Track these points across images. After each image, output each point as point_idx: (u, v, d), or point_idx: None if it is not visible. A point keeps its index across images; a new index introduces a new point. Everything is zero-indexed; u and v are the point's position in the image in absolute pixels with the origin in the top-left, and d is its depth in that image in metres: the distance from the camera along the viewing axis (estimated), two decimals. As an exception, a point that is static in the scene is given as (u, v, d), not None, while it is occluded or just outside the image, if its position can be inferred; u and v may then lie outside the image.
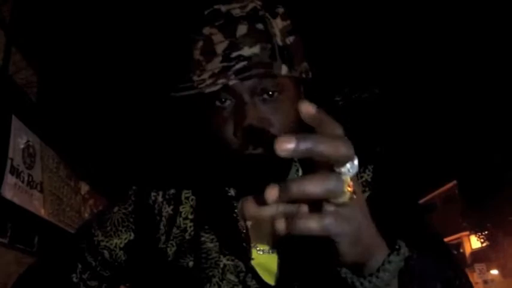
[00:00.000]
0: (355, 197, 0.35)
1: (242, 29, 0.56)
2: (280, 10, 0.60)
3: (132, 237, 0.70)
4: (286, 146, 0.33)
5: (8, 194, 4.58)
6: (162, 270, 0.67)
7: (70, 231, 6.34)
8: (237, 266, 0.64)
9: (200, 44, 0.58)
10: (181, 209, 0.69)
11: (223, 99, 0.58)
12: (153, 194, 0.70)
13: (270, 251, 0.65)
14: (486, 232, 14.39)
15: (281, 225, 0.36)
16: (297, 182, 0.34)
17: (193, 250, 0.65)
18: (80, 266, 0.71)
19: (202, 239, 0.65)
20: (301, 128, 0.50)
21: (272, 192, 0.33)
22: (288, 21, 0.60)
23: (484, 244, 14.93)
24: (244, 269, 0.63)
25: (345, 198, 0.34)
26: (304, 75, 0.62)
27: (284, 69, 0.57)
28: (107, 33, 5.93)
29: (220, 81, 0.54)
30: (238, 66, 0.54)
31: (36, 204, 5.31)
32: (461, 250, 18.18)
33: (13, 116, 4.79)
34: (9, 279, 5.05)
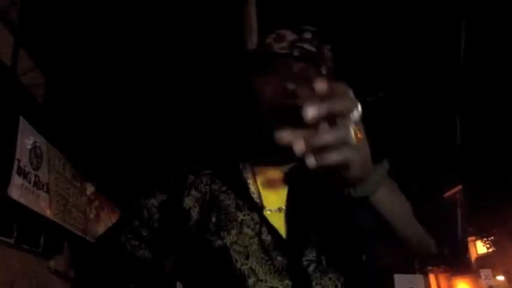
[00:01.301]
0: (360, 136, 0.52)
1: (307, 35, 0.79)
2: (328, 46, 0.82)
3: (164, 198, 0.82)
4: (312, 110, 0.47)
5: (15, 194, 4.62)
6: (187, 229, 0.77)
7: (75, 232, 6.38)
8: (252, 218, 0.74)
9: (273, 36, 0.79)
10: (203, 178, 0.82)
11: (278, 68, 0.77)
12: (184, 168, 0.86)
13: (277, 210, 0.76)
14: (492, 238, 14.27)
15: (311, 160, 0.48)
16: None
17: (213, 208, 0.77)
18: (126, 228, 0.83)
19: (221, 198, 0.78)
20: None
21: (311, 110, 0.47)
22: (331, 54, 0.82)
23: (490, 250, 14.80)
24: (259, 221, 0.74)
25: (354, 141, 0.49)
26: None
27: (325, 72, 0.79)
28: (114, 34, 5.96)
29: (285, 50, 0.76)
30: (300, 49, 0.76)
31: (42, 205, 5.35)
32: (467, 255, 18.03)
33: (20, 117, 4.83)
34: (15, 279, 5.08)
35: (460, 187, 17.19)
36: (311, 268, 0.69)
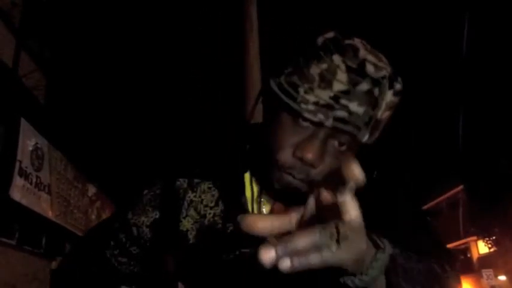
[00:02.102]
0: (346, 239, 0.40)
1: (363, 87, 0.58)
2: (398, 86, 0.62)
3: (157, 216, 0.76)
4: (268, 255, 0.38)
5: (16, 195, 4.62)
6: (182, 251, 0.74)
7: (77, 232, 6.38)
8: (255, 254, 0.67)
9: (324, 66, 0.59)
10: (203, 197, 0.75)
11: (305, 124, 0.62)
12: (179, 180, 0.77)
13: None
14: (494, 237, 14.26)
15: (285, 264, 0.39)
16: (287, 239, 0.39)
17: (211, 236, 0.72)
18: (112, 243, 0.78)
19: (219, 226, 0.72)
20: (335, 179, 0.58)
21: (267, 253, 0.38)
22: (398, 99, 0.63)
23: (492, 249, 14.78)
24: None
25: (333, 248, 0.39)
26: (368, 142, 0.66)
27: (365, 138, 0.62)
28: (115, 35, 5.97)
29: (319, 116, 0.59)
30: (339, 114, 0.58)
31: (44, 206, 5.36)
32: (468, 255, 18.01)
33: (22, 119, 4.84)
34: (17, 280, 5.08)
35: (461, 187, 17.19)
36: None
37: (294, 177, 0.63)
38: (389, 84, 0.60)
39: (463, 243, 18.00)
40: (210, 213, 0.73)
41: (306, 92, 0.59)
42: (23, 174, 4.80)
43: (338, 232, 0.40)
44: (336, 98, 0.58)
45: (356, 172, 0.42)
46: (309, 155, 0.60)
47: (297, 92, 0.59)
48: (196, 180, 0.76)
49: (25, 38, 5.36)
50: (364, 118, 0.59)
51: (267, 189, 0.72)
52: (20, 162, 4.73)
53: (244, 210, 0.72)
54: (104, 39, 6.01)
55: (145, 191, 0.79)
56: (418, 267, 0.54)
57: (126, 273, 0.79)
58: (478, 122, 13.65)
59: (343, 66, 0.58)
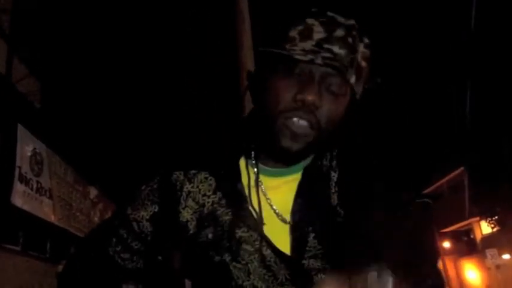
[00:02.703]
0: None
1: (339, 33, 0.67)
2: (366, 40, 0.71)
3: (156, 210, 0.77)
4: None
5: (18, 201, 4.62)
6: (184, 242, 0.75)
7: (81, 235, 6.40)
8: (251, 235, 0.71)
9: (300, 27, 0.68)
10: (200, 187, 0.76)
11: (298, 71, 0.68)
12: (175, 173, 0.78)
13: (282, 221, 0.73)
14: (496, 217, 14.32)
15: None
16: None
17: (211, 223, 0.73)
18: (114, 240, 0.79)
19: (218, 212, 0.73)
20: (336, 130, 0.70)
21: None
22: (368, 52, 0.71)
23: (495, 229, 14.85)
24: (258, 238, 0.71)
25: None
26: (358, 96, 0.72)
27: (352, 79, 0.68)
28: (107, 36, 5.94)
29: (309, 56, 0.65)
30: (325, 54, 0.65)
31: (46, 211, 5.36)
32: (471, 236, 18.11)
33: (19, 125, 4.82)
34: (24, 286, 5.10)
35: (462, 169, 17.23)
36: (317, 278, 0.68)
37: (300, 117, 0.67)
38: (359, 36, 0.69)
39: (466, 225, 18.08)
40: (208, 202, 0.74)
41: (291, 46, 0.67)
42: (23, 180, 4.79)
43: None
44: (318, 44, 0.66)
45: None
46: (309, 96, 0.66)
47: (284, 48, 0.67)
48: (192, 172, 0.77)
49: (16, 43, 5.33)
50: (347, 59, 0.67)
51: (266, 159, 0.75)
52: (20, 168, 4.73)
53: (241, 196, 0.73)
54: (96, 41, 5.98)
55: (144, 187, 0.80)
56: None
57: (131, 269, 0.80)
58: (480, 102, 13.64)
59: (316, 23, 0.68)
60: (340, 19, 0.68)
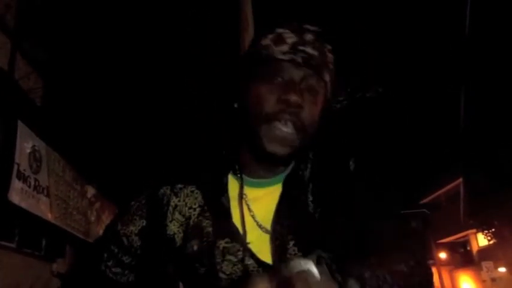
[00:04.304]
0: None
1: (309, 37, 0.71)
2: (328, 46, 0.74)
3: (144, 224, 0.79)
4: None
5: (15, 198, 4.62)
6: (171, 255, 0.77)
7: (77, 234, 6.38)
8: (234, 246, 0.73)
9: (271, 36, 0.72)
10: (186, 200, 0.78)
11: (278, 74, 0.70)
12: (162, 188, 0.81)
13: (265, 231, 0.74)
14: (493, 230, 14.30)
15: None
16: None
17: (196, 235, 0.75)
18: (105, 255, 0.81)
19: (203, 224, 0.75)
20: (315, 130, 0.73)
21: None
22: (332, 57, 0.75)
23: (491, 242, 14.83)
24: (241, 249, 0.72)
25: None
26: (330, 97, 0.76)
27: (327, 78, 0.72)
28: (110, 35, 5.95)
29: (289, 55, 0.69)
30: (302, 54, 0.69)
31: (43, 209, 5.35)
32: (468, 248, 18.08)
33: (19, 121, 4.82)
34: (18, 283, 5.08)
35: (460, 179, 17.23)
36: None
37: (285, 120, 0.69)
38: (324, 42, 0.73)
39: (462, 236, 18.06)
40: (194, 215, 0.76)
41: (267, 51, 0.71)
42: (21, 177, 4.79)
43: None
44: (293, 47, 0.69)
45: None
46: (293, 96, 0.68)
47: (261, 52, 0.71)
48: (179, 186, 0.80)
49: (20, 40, 5.34)
50: (320, 60, 0.71)
51: (250, 168, 0.77)
52: (18, 165, 4.72)
53: (225, 209, 0.75)
54: (99, 39, 5.99)
55: (132, 202, 0.82)
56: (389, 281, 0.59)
57: (123, 283, 0.81)
58: (476, 113, 13.66)
59: (286, 30, 0.71)
60: (306, 26, 0.72)
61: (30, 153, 5.06)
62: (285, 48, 0.69)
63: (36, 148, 5.23)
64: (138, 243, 0.78)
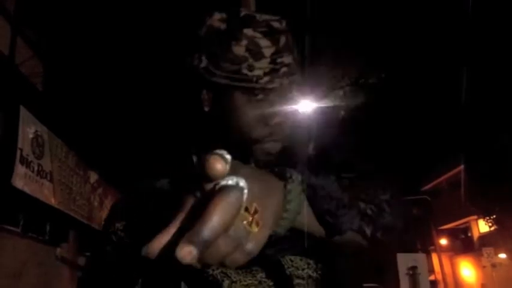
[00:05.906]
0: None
1: (283, 40, 0.67)
2: (292, 38, 0.71)
3: (128, 223, 0.79)
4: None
5: (19, 183, 4.64)
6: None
7: (80, 219, 6.44)
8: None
9: (244, 42, 0.66)
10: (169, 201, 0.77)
11: (262, 95, 0.67)
12: (152, 184, 0.79)
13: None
14: (494, 216, 14.34)
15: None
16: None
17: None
18: (101, 258, 0.81)
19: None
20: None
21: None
22: (300, 56, 0.72)
23: (492, 228, 14.89)
24: None
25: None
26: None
27: (299, 79, 0.69)
28: (111, 20, 5.90)
29: (277, 80, 0.65)
30: (283, 70, 0.66)
31: (47, 194, 5.39)
32: (469, 234, 18.17)
33: (21, 107, 4.82)
34: (23, 267, 5.15)
35: (462, 166, 17.22)
36: (283, 256, 0.69)
37: (274, 141, 0.68)
38: (291, 32, 0.70)
39: (463, 223, 18.14)
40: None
41: (251, 71, 0.65)
42: (25, 162, 4.81)
43: None
44: (273, 61, 0.66)
45: None
46: (281, 118, 0.67)
47: (245, 75, 0.65)
48: (161, 187, 0.79)
49: (20, 25, 5.30)
50: (295, 64, 0.68)
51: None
52: (21, 150, 4.74)
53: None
54: (100, 23, 5.95)
55: (116, 203, 0.83)
56: (332, 187, 0.59)
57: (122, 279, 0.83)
58: (478, 99, 13.58)
59: (258, 35, 0.66)
60: (275, 24, 0.67)
61: (32, 138, 5.07)
62: (265, 63, 0.67)
63: (39, 133, 5.24)
64: (125, 240, 0.78)
